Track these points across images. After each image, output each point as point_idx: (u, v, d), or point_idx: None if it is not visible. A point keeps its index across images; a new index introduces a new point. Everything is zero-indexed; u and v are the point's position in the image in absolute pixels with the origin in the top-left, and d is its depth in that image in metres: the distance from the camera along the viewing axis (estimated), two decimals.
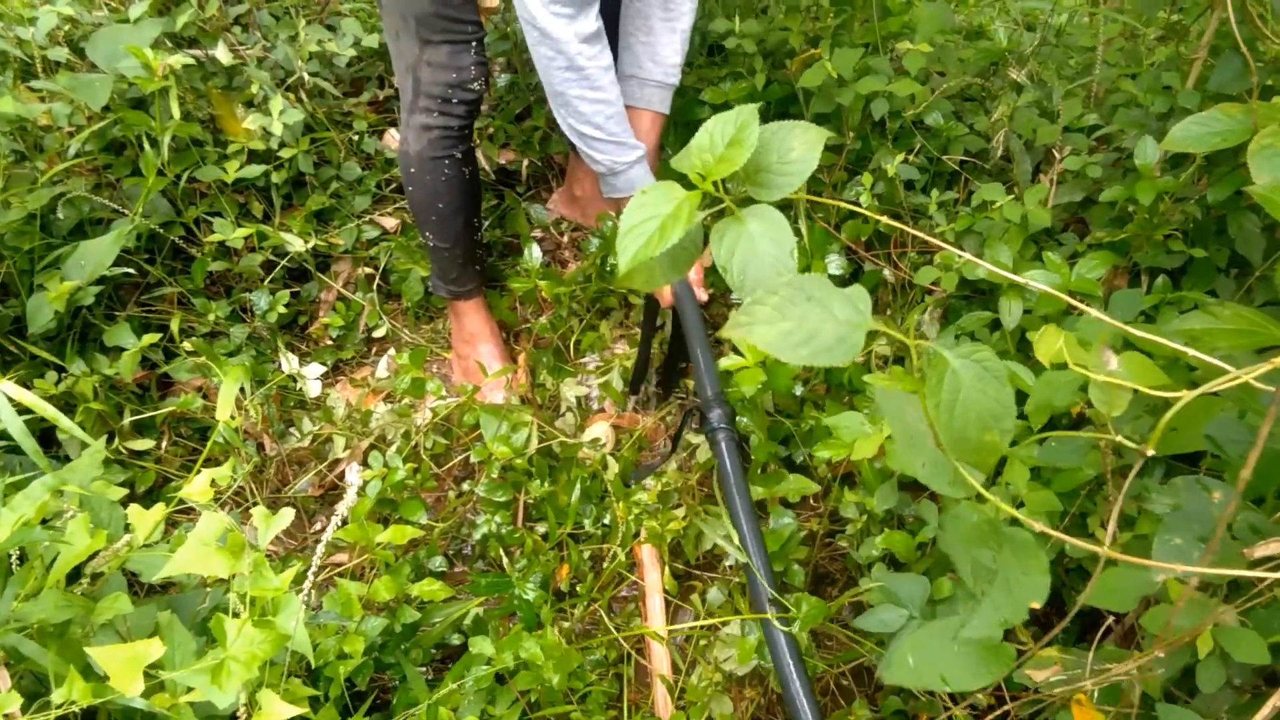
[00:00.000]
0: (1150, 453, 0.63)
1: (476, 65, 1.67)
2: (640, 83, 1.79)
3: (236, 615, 0.96)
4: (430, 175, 1.74)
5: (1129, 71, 1.95)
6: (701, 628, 1.55)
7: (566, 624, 1.58)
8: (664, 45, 1.76)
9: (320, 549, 1.02)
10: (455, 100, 1.68)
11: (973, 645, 0.78)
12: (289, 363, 1.90)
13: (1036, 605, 0.72)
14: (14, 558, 1.08)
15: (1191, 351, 0.73)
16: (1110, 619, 1.06)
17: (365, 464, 1.85)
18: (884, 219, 0.82)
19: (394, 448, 1.78)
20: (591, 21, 1.50)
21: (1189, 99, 1.57)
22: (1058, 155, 1.71)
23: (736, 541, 1.36)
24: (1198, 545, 0.77)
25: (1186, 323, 1.00)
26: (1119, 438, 0.66)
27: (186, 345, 1.84)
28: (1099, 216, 1.68)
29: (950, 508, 0.83)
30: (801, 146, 0.70)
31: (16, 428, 1.17)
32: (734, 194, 0.73)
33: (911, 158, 1.90)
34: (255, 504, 1.73)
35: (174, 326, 1.84)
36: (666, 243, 0.66)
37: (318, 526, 1.80)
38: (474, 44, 1.66)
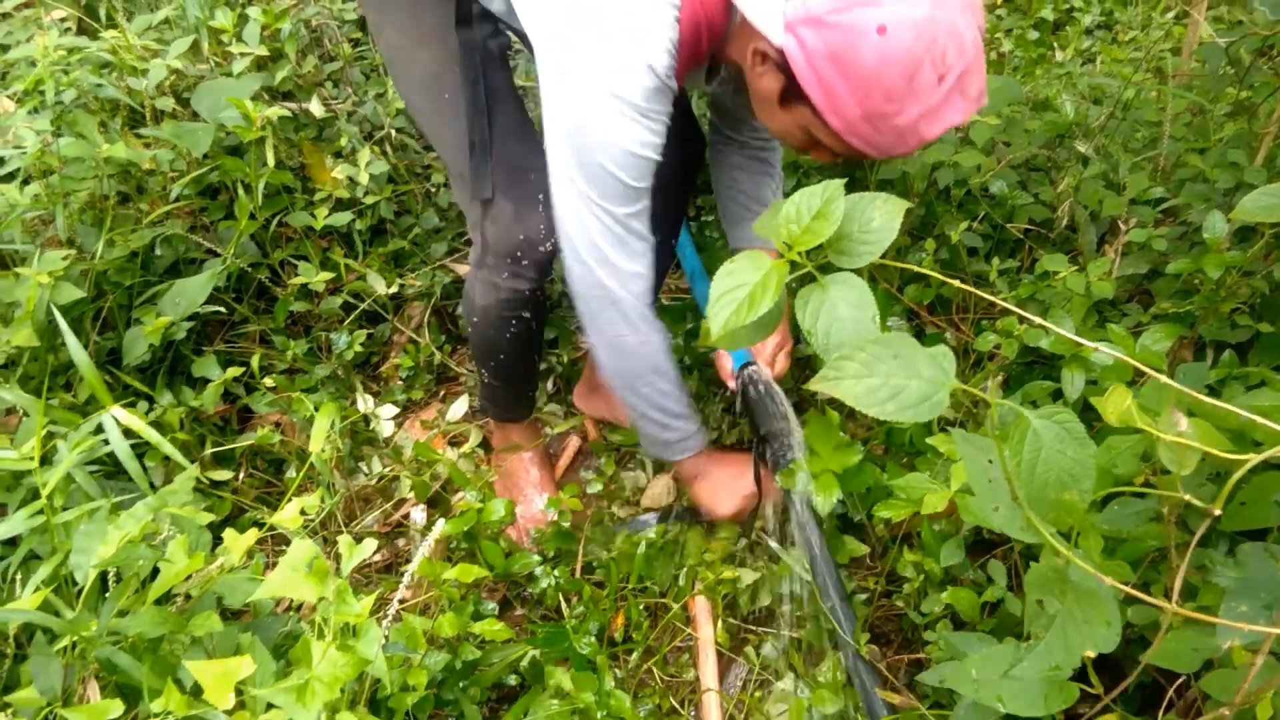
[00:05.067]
0: (1217, 512, 0.65)
1: (546, 222, 1.51)
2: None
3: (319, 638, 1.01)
4: (494, 330, 1.66)
5: (1197, 146, 1.97)
6: (755, 681, 1.56)
7: (621, 673, 1.60)
8: (764, 189, 1.75)
9: (403, 586, 1.06)
10: (526, 261, 1.55)
11: (1040, 671, 0.79)
12: (365, 402, 1.97)
13: (1092, 655, 0.73)
14: (111, 575, 1.14)
15: (1261, 420, 0.75)
16: (1171, 691, 1.06)
17: (431, 504, 1.90)
18: (948, 279, 0.85)
19: (465, 493, 1.82)
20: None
21: (1256, 175, 1.59)
22: (1123, 227, 1.73)
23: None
24: (1263, 613, 0.78)
25: (1255, 399, 1.02)
26: (1186, 496, 0.68)
27: (267, 381, 1.91)
28: (1164, 289, 1.69)
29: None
30: (882, 217, 0.74)
31: (124, 451, 1.25)
32: (815, 259, 0.78)
33: (976, 225, 1.93)
34: (325, 538, 1.79)
35: (254, 363, 1.92)
36: (756, 312, 0.71)
37: (378, 557, 1.85)
38: (541, 197, 1.50)
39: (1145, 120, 2.19)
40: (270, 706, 0.98)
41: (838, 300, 0.74)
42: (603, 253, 1.35)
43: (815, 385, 0.66)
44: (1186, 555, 0.73)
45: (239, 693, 0.96)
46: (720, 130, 1.74)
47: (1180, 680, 1.07)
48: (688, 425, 1.56)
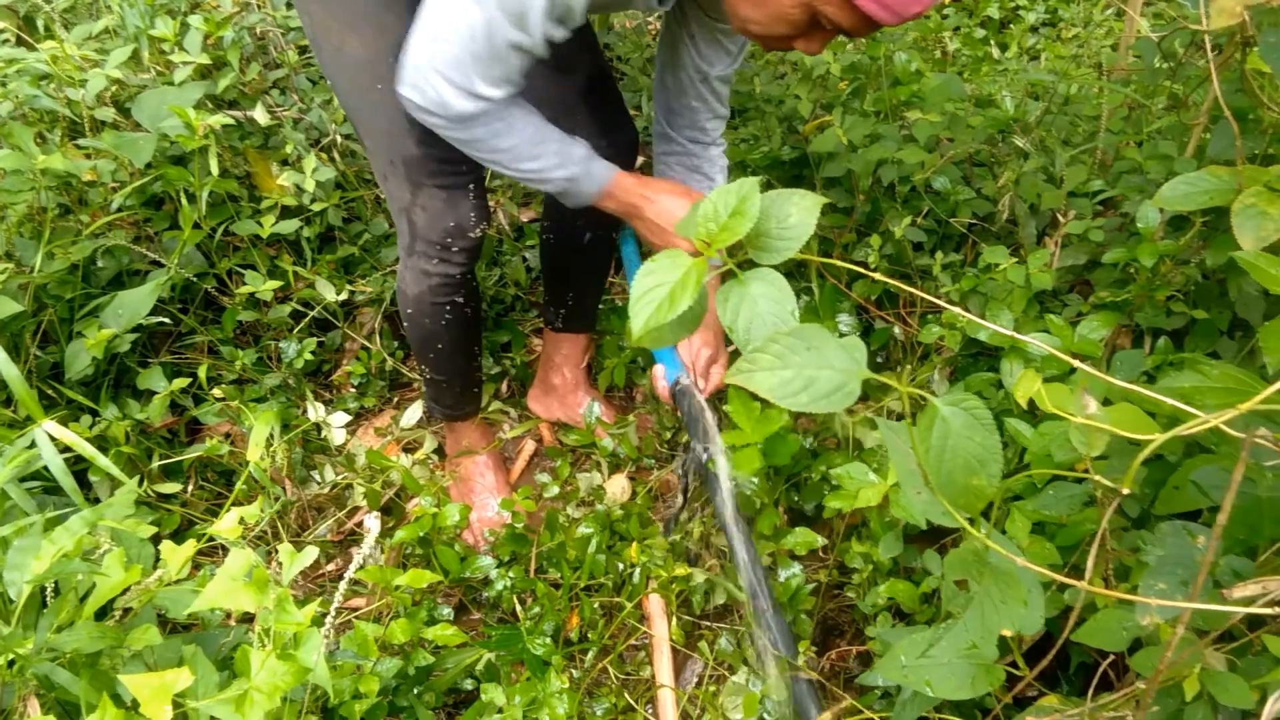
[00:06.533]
0: (1125, 491, 0.67)
1: (476, 209, 1.55)
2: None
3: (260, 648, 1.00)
4: (429, 319, 1.66)
5: (1135, 138, 2.01)
6: (710, 676, 1.57)
7: (577, 672, 1.60)
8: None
9: (342, 586, 1.06)
10: (455, 248, 1.57)
11: (963, 658, 0.81)
12: (316, 411, 1.96)
13: (1009, 633, 0.75)
14: (49, 590, 1.12)
15: (1173, 402, 0.77)
16: (1108, 668, 1.08)
17: (385, 512, 1.89)
18: (889, 281, 0.86)
19: (419, 499, 1.81)
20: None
21: (1185, 166, 1.63)
22: (1062, 219, 1.76)
23: (745, 590, 1.42)
24: (1181, 589, 0.80)
25: (1178, 381, 1.04)
26: (1098, 478, 0.69)
27: (216, 392, 1.90)
28: (1102, 278, 1.72)
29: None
30: (799, 213, 0.75)
31: (57, 465, 1.23)
32: (736, 257, 0.79)
33: (920, 220, 1.96)
34: (279, 544, 1.78)
35: (202, 374, 1.90)
36: (676, 309, 0.71)
37: (331, 566, 1.84)
38: (471, 185, 1.53)
39: (1084, 115, 2.23)
40: (212, 719, 0.97)
41: (758, 296, 0.75)
42: (467, 71, 1.22)
43: (730, 378, 0.67)
44: (1099, 535, 0.75)
45: (178, 705, 0.95)
46: (664, 136, 1.72)
47: (1115, 659, 1.09)
48: (574, 160, 1.39)
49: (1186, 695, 0.90)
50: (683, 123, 1.65)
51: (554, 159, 1.38)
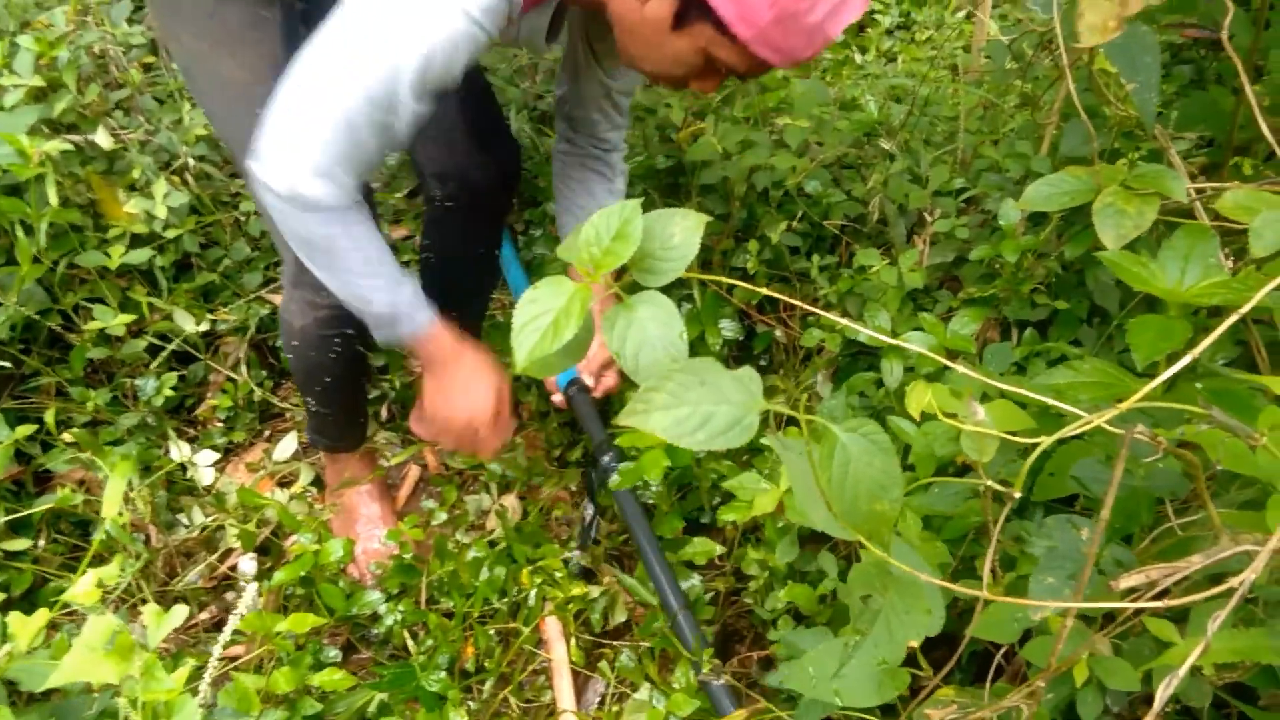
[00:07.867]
0: (1017, 495, 0.68)
1: None
2: None
3: None
4: (316, 351, 1.56)
5: (990, 138, 2.09)
6: (613, 695, 1.54)
7: (475, 704, 1.55)
8: (606, 204, 1.71)
9: (217, 649, 0.99)
10: None
11: (869, 665, 0.81)
12: (180, 450, 1.84)
13: (915, 644, 0.75)
14: None
15: (1054, 403, 0.79)
16: (999, 657, 1.11)
17: (262, 552, 1.79)
18: (765, 291, 0.86)
19: (298, 536, 1.72)
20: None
21: (1041, 164, 1.70)
22: (929, 218, 1.81)
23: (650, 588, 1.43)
24: (1069, 583, 0.82)
25: (1052, 377, 1.08)
26: (989, 481, 0.70)
27: (66, 436, 1.76)
28: (970, 274, 1.78)
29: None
30: (682, 233, 0.74)
31: None
32: (621, 281, 0.76)
33: (795, 224, 1.98)
34: (143, 600, 1.66)
35: (49, 418, 1.76)
36: (561, 339, 0.69)
37: (205, 615, 1.73)
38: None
39: (943, 116, 2.31)
40: None
41: (645, 319, 0.73)
42: (327, 152, 1.14)
43: (624, 419, 0.65)
44: (996, 530, 0.76)
45: None
46: (565, 138, 1.71)
47: (1007, 648, 1.12)
48: (402, 297, 1.33)
49: (1076, 681, 0.92)
50: (583, 131, 1.67)
51: (385, 285, 1.30)
